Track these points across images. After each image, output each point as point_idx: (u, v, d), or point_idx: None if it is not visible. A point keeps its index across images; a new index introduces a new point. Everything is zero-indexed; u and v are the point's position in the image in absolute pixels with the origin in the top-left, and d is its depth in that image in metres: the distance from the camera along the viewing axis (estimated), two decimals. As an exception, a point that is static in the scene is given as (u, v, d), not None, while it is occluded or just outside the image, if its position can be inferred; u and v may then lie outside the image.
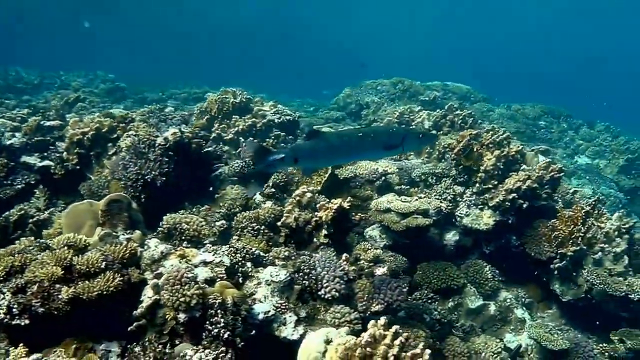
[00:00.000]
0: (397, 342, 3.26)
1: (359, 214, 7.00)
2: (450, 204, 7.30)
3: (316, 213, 5.78)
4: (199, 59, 46.62)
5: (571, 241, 6.46)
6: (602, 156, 12.16)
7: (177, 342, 3.94)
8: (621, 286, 6.23)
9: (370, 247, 5.91)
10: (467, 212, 7.16)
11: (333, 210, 5.72)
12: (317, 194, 6.18)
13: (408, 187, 7.88)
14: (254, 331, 4.23)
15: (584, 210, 6.56)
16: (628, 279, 6.33)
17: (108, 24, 51.42)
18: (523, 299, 6.93)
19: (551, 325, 6.71)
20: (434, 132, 8.86)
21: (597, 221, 6.70)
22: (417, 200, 7.09)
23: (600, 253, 6.47)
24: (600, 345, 6.39)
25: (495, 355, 6.12)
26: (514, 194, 6.71)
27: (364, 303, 5.24)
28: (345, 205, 5.78)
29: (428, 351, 3.39)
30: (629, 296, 6.20)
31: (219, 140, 8.43)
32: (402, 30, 66.54)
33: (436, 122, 8.96)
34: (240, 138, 8.39)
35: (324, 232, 5.73)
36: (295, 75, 16.95)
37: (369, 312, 5.22)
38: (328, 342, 4.06)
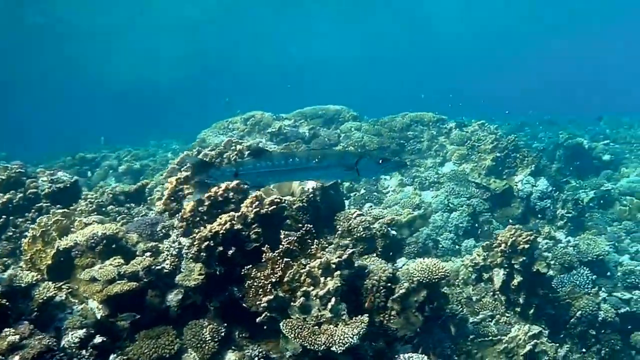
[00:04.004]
0: None
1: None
2: (176, 259, 6.33)
3: None
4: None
5: (261, 289, 5.36)
6: (469, 159, 10.79)
7: None
8: (319, 338, 5.07)
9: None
10: (184, 267, 6.18)
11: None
12: None
13: (156, 243, 6.95)
14: None
15: (279, 251, 5.47)
16: (332, 327, 5.15)
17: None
18: (257, 359, 5.80)
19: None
20: (404, 160, 8.37)
21: (308, 257, 5.57)
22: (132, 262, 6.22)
23: (303, 299, 5.32)
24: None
25: None
26: (209, 242, 5.68)
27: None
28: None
29: None
30: (331, 349, 5.03)
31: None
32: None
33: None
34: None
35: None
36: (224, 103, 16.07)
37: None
38: None
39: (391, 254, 7.18)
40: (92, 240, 6.64)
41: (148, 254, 6.59)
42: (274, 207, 5.91)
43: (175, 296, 6.18)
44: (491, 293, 7.34)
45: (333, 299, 5.27)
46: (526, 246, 6.93)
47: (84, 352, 5.38)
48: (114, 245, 6.72)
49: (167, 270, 6.30)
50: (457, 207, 9.15)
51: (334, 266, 5.40)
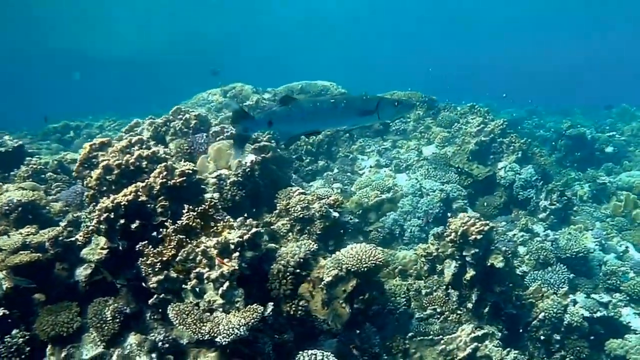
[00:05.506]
0: None
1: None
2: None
3: None
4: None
5: (151, 269, 4.87)
6: (452, 143, 9.97)
7: None
8: (205, 327, 4.55)
9: None
10: (94, 239, 5.74)
11: None
12: None
13: (82, 213, 6.56)
14: None
15: (176, 226, 4.95)
16: (220, 316, 4.62)
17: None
18: (161, 343, 5.33)
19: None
20: (412, 101, 8.57)
21: (211, 236, 5.03)
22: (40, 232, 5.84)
23: (196, 281, 4.80)
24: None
25: None
26: (109, 213, 5.20)
27: None
28: None
29: None
30: (215, 339, 4.51)
31: None
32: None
33: (157, 130, 7.49)
34: None
35: None
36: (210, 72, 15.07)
37: None
38: None
39: (333, 237, 6.59)
40: (7, 207, 6.28)
41: (63, 223, 6.19)
42: (183, 178, 5.37)
43: (84, 270, 5.74)
44: (443, 287, 6.66)
45: (227, 283, 4.71)
46: (478, 237, 6.21)
47: (-17, 325, 5.10)
48: (30, 214, 6.36)
49: (80, 243, 5.84)
50: (429, 192, 8.42)
51: (232, 247, 4.83)
